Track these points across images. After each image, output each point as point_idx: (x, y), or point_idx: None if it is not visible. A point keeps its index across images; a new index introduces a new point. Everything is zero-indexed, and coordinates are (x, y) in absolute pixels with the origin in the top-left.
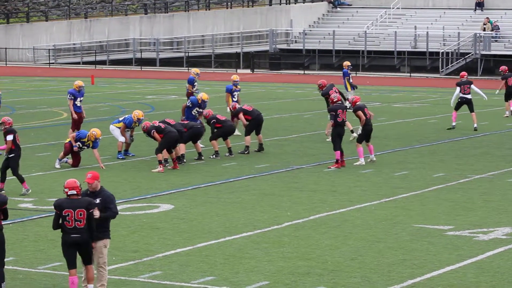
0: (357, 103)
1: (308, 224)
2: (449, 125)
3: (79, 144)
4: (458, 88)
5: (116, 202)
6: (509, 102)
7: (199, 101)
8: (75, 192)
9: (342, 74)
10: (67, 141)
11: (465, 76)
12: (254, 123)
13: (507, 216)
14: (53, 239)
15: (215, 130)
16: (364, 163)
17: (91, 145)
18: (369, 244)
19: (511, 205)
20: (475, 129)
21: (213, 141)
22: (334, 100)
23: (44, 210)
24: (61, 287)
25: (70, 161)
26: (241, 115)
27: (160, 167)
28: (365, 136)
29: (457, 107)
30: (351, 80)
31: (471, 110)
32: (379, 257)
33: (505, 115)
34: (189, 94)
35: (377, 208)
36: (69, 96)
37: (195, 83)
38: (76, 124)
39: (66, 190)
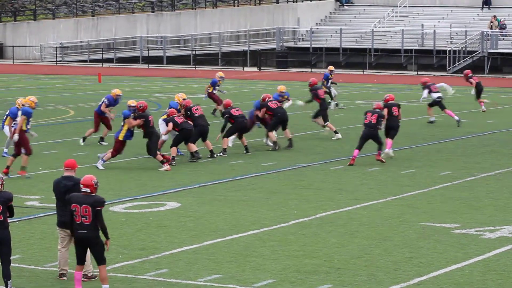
0: (389, 101)
1: (315, 222)
2: (455, 123)
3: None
4: (426, 90)
5: (123, 199)
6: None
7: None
8: (89, 190)
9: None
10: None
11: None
12: (278, 119)
13: None
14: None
15: (230, 125)
16: (391, 153)
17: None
18: (376, 242)
19: None
20: (458, 122)
21: (225, 139)
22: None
23: (50, 208)
24: (67, 285)
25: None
26: (262, 111)
27: (166, 165)
28: (385, 130)
29: (433, 105)
30: (328, 84)
31: (442, 108)
32: (386, 255)
33: (482, 110)
34: (209, 94)
35: (384, 206)
36: (106, 101)
37: (217, 86)
38: (97, 125)
39: (81, 186)
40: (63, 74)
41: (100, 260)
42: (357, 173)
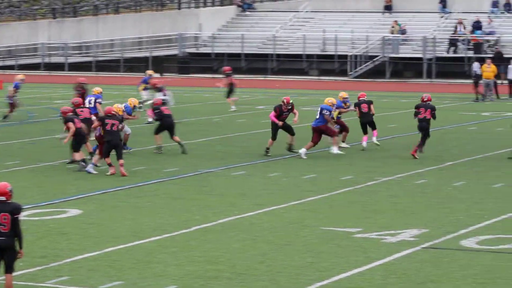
0: (360, 98)
1: (217, 228)
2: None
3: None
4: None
5: (24, 207)
6: (230, 98)
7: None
8: (4, 198)
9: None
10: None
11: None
12: (163, 124)
13: (415, 218)
14: None
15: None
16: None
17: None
18: (278, 247)
19: (418, 207)
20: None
21: (156, 136)
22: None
23: None
24: None
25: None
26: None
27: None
28: (363, 126)
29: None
30: (143, 87)
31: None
32: (288, 260)
33: (232, 109)
34: (11, 97)
35: (286, 211)
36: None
37: (18, 89)
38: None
39: None
40: None
41: (10, 268)
42: (259, 178)
